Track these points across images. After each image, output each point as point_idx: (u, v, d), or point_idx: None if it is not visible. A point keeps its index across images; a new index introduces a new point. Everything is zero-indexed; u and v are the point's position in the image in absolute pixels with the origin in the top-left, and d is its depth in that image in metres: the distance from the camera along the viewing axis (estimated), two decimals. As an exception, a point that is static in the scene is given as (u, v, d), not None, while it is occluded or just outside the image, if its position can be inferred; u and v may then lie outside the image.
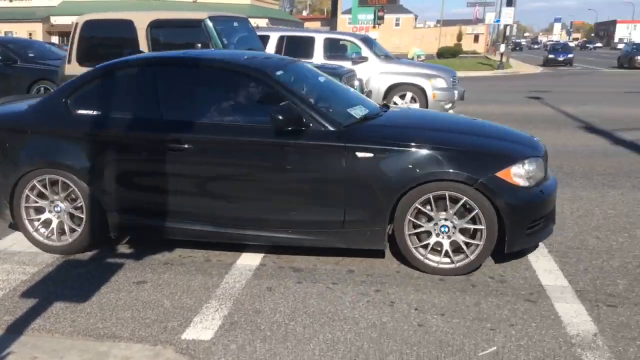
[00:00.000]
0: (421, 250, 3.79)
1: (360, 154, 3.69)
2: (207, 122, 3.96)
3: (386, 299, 3.48)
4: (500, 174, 3.62)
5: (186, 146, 3.86)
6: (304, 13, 66.52)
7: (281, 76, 4.11)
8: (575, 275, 3.80)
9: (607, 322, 3.16)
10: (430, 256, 3.78)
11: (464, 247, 3.72)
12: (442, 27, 59.17)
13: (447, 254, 3.76)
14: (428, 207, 3.69)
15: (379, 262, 4.03)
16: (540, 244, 4.24)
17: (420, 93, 10.54)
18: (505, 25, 32.33)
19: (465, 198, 3.60)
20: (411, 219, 3.71)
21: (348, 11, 45.41)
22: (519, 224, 3.66)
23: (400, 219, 3.71)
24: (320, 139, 3.74)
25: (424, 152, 3.67)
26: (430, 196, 3.63)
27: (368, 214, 3.73)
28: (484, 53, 58.94)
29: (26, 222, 4.21)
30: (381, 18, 26.78)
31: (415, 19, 76.14)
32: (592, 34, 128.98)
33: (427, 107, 10.24)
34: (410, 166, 3.64)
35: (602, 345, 2.93)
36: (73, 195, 4.10)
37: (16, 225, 4.36)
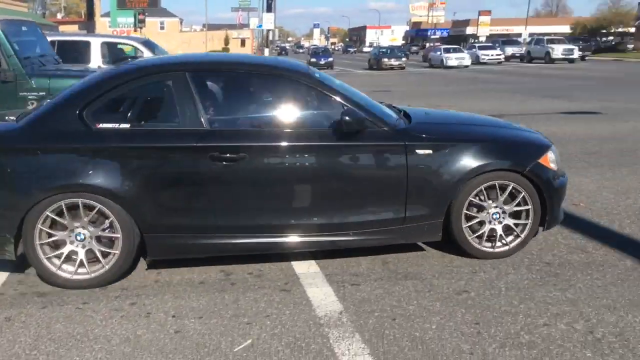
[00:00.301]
0: (476, 239, 3.99)
1: (420, 151, 3.80)
2: (261, 129, 3.84)
3: (142, 310, 3.35)
4: (541, 160, 3.98)
5: (241, 155, 3.61)
6: (59, 16, 61.31)
7: (327, 80, 4.07)
8: (325, 260, 4.09)
9: (351, 300, 3.46)
10: (485, 243, 4.00)
11: (515, 228, 4.00)
12: (208, 31, 59.49)
13: (501, 238, 4.00)
14: (481, 197, 3.93)
15: (135, 274, 3.87)
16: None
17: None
18: (268, 30, 33.82)
19: (512, 184, 3.91)
20: (465, 211, 3.91)
21: (107, 14, 43.07)
22: (558, 203, 4.06)
23: (457, 210, 3.89)
24: (382, 139, 3.80)
25: (478, 145, 3.90)
26: (484, 187, 3.89)
27: (427, 208, 3.86)
28: (252, 57, 60.97)
29: (42, 258, 3.55)
30: (142, 21, 25.94)
31: (181, 22, 75.39)
32: (347, 39, 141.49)
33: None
34: (468, 159, 3.83)
35: (346, 321, 3.19)
36: (101, 218, 3.57)
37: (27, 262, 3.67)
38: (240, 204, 3.70)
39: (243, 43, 69.75)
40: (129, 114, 3.83)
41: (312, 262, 4.07)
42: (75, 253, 3.62)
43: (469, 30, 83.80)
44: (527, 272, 3.84)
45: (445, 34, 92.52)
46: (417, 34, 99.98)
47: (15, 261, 3.68)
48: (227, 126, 3.84)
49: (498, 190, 3.95)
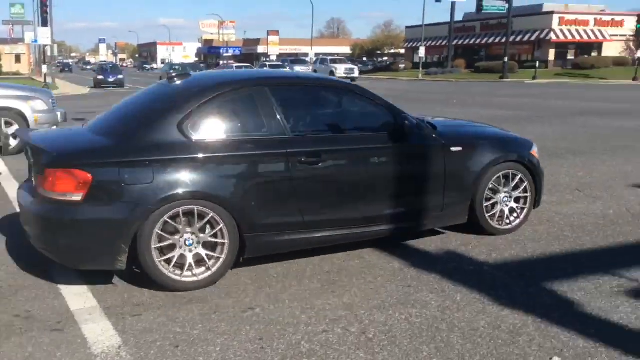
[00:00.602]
0: (490, 218, 4.92)
1: (454, 149, 4.67)
2: (335, 135, 4.47)
3: None
4: (532, 153, 5.14)
5: (321, 158, 4.13)
6: None
7: (372, 93, 4.66)
8: (104, 293, 3.82)
9: (132, 332, 3.28)
10: (497, 221, 4.98)
11: (516, 207, 5.06)
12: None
13: (508, 217, 5.02)
14: (496, 183, 4.92)
15: None
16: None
17: (18, 117, 9.48)
18: (45, 46, 31.09)
19: (519, 173, 5.00)
20: (486, 195, 4.87)
21: None
22: (542, 186, 5.22)
23: (480, 195, 4.82)
24: (427, 140, 4.62)
25: (492, 143, 5.02)
26: (501, 174, 4.92)
27: (459, 195, 4.74)
28: (29, 74, 55.48)
29: (159, 264, 3.73)
30: None
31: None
32: (137, 55, 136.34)
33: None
34: (488, 154, 4.84)
35: (125, 355, 3.01)
36: (209, 224, 3.83)
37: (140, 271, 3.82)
38: (323, 201, 4.23)
39: (18, 59, 63.30)
40: (222, 125, 4.11)
41: (89, 295, 3.78)
42: (184, 257, 3.82)
43: (260, 49, 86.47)
44: (309, 282, 4.01)
45: (237, 52, 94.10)
46: (209, 52, 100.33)
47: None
48: (305, 133, 4.39)
49: (502, 177, 4.95)
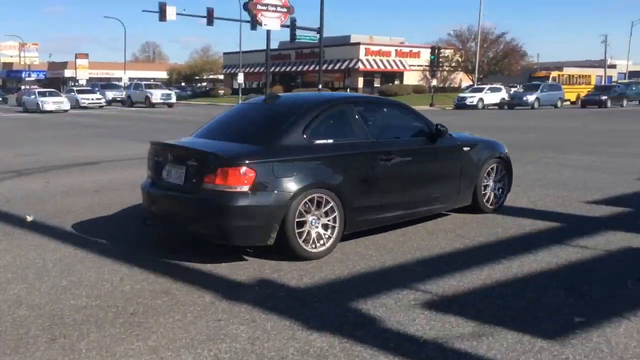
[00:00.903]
0: (483, 201, 6.66)
1: (465, 149, 6.47)
2: (397, 139, 6.11)
3: None
4: (505, 151, 7.02)
5: (392, 156, 5.68)
6: None
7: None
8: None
9: None
10: (487, 202, 6.74)
11: (498, 193, 6.89)
12: None
13: (493, 199, 6.79)
14: (489, 173, 6.71)
15: None
16: None
17: None
18: None
19: (496, 165, 6.81)
20: (484, 182, 6.63)
21: None
22: (512, 176, 7.12)
23: (480, 182, 6.56)
24: (450, 142, 6.36)
25: (486, 145, 6.90)
26: (490, 167, 6.72)
27: (469, 182, 6.43)
28: None
29: (296, 236, 4.92)
30: None
31: None
32: None
33: None
34: (484, 152, 6.68)
35: None
36: (328, 208, 5.12)
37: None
38: (393, 188, 5.69)
39: None
40: (329, 132, 5.50)
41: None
42: (310, 234, 5.02)
43: (68, 72, 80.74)
44: (110, 327, 3.70)
45: (42, 75, 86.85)
46: (9, 76, 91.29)
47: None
48: (379, 138, 5.85)
49: (489, 167, 6.74)
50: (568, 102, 46.83)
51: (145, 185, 5.64)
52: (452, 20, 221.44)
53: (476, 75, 54.29)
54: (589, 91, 45.81)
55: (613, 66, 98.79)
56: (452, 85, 61.83)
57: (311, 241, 5.01)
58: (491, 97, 43.27)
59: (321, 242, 5.08)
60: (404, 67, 62.37)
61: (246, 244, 5.02)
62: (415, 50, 64.90)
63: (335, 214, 5.11)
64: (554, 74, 51.01)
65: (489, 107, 42.49)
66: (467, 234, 5.97)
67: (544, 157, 12.46)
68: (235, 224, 4.78)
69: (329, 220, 5.10)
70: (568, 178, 9.50)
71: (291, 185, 4.86)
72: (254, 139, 5.28)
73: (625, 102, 43.27)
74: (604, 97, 40.90)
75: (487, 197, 6.72)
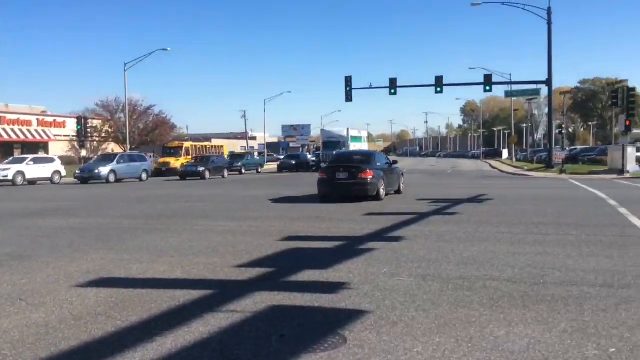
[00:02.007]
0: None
1: (400, 171, 21.97)
2: (387, 164, 21.02)
3: None
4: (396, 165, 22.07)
5: (388, 169, 20.83)
6: None
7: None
8: None
9: None
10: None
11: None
12: None
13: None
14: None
15: None
16: None
17: None
18: None
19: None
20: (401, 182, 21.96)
21: None
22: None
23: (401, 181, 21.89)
24: (397, 168, 21.70)
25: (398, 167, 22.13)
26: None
27: (397, 185, 20.88)
28: None
29: (380, 193, 18.70)
30: None
31: None
32: None
33: None
34: (400, 171, 21.94)
35: None
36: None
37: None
38: (391, 180, 20.24)
39: None
40: (380, 162, 20.28)
41: None
42: (380, 191, 18.79)
43: None
44: None
45: None
46: None
47: None
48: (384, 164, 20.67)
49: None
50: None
51: (322, 181, 18.34)
52: (99, 91, 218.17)
53: (128, 146, 54.05)
54: (184, 163, 43.29)
55: (254, 138, 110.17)
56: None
57: (383, 194, 18.42)
58: (37, 171, 34.94)
59: (383, 193, 18.46)
60: (49, 136, 58.31)
61: (371, 195, 17.83)
62: (60, 119, 61.50)
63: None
64: (187, 144, 51.67)
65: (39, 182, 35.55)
66: (120, 315, 5.62)
67: (196, 224, 12.90)
68: (369, 188, 17.72)
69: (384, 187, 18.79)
70: (218, 244, 9.96)
71: (379, 177, 18.23)
72: (364, 162, 18.83)
73: (225, 173, 42.31)
74: (201, 169, 38.97)
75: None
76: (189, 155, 48.20)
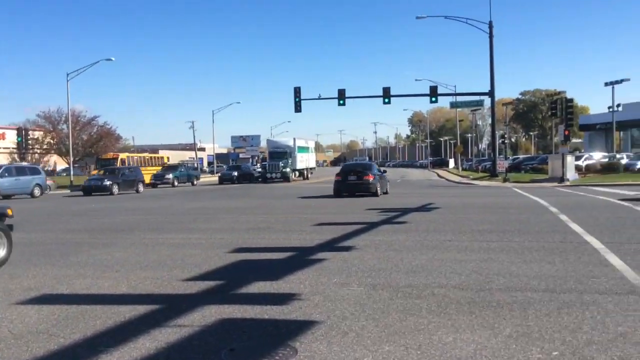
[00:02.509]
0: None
1: (384, 175, 28.59)
2: (379, 171, 28.70)
3: None
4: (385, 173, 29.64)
5: (381, 175, 28.81)
6: None
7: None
8: None
9: None
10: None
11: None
12: None
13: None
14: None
15: None
16: None
17: None
18: None
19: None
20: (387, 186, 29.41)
21: None
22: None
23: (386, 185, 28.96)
24: (384, 174, 28.79)
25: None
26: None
27: (386, 187, 28.74)
28: None
29: (378, 191, 26.58)
30: None
31: None
32: None
33: None
34: (387, 178, 29.05)
35: None
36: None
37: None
38: (382, 184, 28.04)
39: None
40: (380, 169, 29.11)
41: None
42: (378, 189, 26.81)
43: None
44: None
45: None
46: None
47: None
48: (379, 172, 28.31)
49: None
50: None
51: (338, 182, 26.16)
52: (41, 102, 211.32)
53: (71, 158, 52.45)
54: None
55: (203, 149, 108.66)
56: (45, 168, 58.17)
57: (380, 192, 25.77)
58: None
59: (380, 192, 26.06)
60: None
61: (372, 192, 25.26)
62: (-1, 131, 59.04)
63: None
64: (123, 155, 49.63)
65: None
66: (62, 333, 5.42)
67: (144, 238, 12.61)
68: (371, 187, 25.21)
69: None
70: (167, 257, 9.76)
71: (377, 180, 25.94)
72: (365, 169, 26.97)
73: (140, 187, 38.45)
74: (107, 183, 35.46)
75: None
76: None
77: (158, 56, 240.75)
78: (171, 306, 6.36)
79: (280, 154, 51.10)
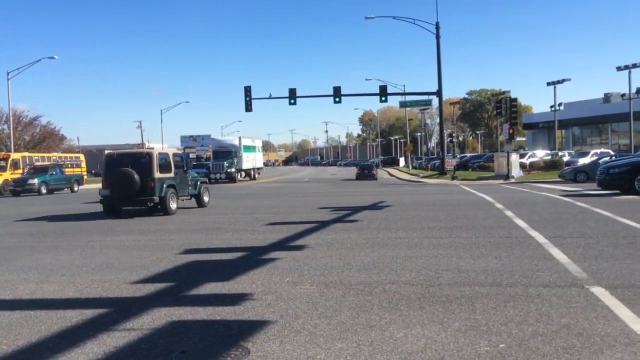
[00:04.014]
0: None
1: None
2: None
3: None
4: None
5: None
6: None
7: None
8: None
9: None
10: None
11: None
12: None
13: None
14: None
15: None
16: None
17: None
18: None
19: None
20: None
21: None
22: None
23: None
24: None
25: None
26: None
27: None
28: None
29: None
30: None
31: None
32: None
33: None
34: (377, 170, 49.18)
35: None
36: None
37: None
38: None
39: None
40: None
41: None
42: None
43: None
44: None
45: None
46: None
47: None
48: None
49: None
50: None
51: (358, 174, 47.40)
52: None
53: (13, 159, 50.31)
54: (9, 179, 36.91)
55: (151, 149, 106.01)
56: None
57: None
58: None
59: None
60: None
61: (375, 180, 46.20)
62: None
63: None
64: (16, 155, 42.27)
65: None
66: (5, 340, 5.21)
67: (91, 240, 12.26)
68: (375, 176, 47.34)
69: None
70: (115, 260, 9.52)
71: (377, 172, 52.64)
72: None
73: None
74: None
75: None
76: (18, 168, 39.71)
77: (103, 56, 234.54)
78: (120, 310, 6.21)
79: (225, 153, 48.97)
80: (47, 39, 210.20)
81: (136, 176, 17.08)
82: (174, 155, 19.50)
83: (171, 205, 17.95)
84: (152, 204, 17.67)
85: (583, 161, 39.18)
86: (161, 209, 17.85)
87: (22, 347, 5.01)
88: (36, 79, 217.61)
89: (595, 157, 38.16)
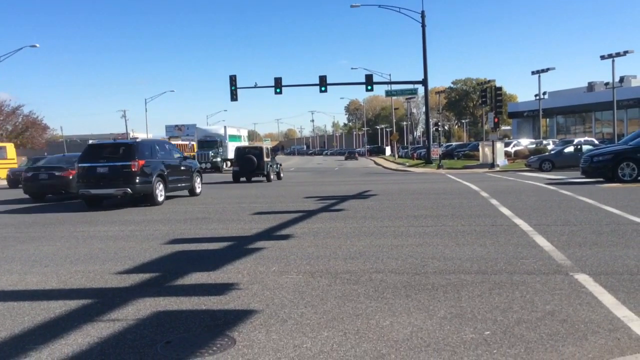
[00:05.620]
0: None
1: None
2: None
3: None
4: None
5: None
6: None
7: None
8: None
9: None
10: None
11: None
12: None
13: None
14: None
15: None
16: None
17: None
18: None
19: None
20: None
21: None
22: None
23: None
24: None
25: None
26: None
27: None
28: None
29: None
30: None
31: None
32: None
33: None
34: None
35: None
36: None
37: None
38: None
39: None
40: None
41: None
42: None
43: None
44: None
45: None
46: None
47: None
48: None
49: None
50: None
51: (347, 156, 77.31)
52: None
53: (-5, 149, 49.63)
54: None
55: (136, 139, 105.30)
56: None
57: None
58: None
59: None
60: None
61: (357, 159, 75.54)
62: None
63: None
64: None
65: None
66: (-14, 332, 5.15)
67: (75, 231, 12.14)
68: (357, 157, 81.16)
69: None
70: (99, 250, 9.44)
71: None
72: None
73: None
74: None
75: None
76: None
77: (87, 45, 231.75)
78: (104, 300, 6.16)
79: (210, 143, 49.04)
80: (29, 28, 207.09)
81: (255, 159, 29.30)
82: (270, 148, 32.97)
83: (272, 177, 30.55)
84: (262, 176, 30.05)
85: (568, 150, 39.61)
86: (266, 177, 30.21)
87: (4, 339, 4.95)
88: (19, 67, 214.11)
89: (561, 147, 38.56)
